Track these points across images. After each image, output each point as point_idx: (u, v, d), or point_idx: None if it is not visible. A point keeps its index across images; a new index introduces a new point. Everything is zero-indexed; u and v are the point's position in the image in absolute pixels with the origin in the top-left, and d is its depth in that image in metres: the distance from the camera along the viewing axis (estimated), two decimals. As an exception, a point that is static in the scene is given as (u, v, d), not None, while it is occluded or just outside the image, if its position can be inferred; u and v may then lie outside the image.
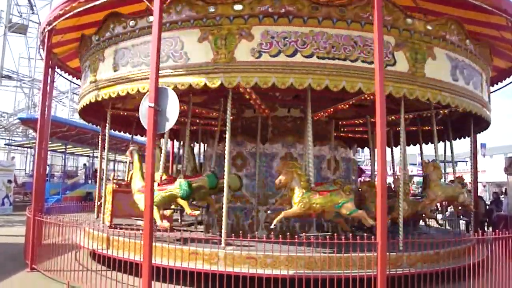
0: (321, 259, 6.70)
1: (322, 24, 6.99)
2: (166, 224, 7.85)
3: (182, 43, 7.28)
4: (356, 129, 13.32)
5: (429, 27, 7.55)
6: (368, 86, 6.93)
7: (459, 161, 10.31)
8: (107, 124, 9.81)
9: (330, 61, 6.94)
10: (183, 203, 8.05)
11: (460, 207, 10.21)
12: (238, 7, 6.98)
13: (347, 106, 9.27)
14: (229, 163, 7.41)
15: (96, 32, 8.62)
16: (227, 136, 7.41)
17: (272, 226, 7.28)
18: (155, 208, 7.66)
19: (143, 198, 7.73)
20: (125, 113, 11.23)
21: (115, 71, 8.15)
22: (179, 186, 7.94)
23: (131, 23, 7.85)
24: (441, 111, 10.03)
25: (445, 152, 11.83)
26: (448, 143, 11.60)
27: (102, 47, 8.54)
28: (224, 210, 7.34)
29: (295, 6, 6.93)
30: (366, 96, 7.93)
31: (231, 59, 6.98)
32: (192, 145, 11.14)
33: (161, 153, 9.97)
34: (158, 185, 8.26)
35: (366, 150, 14.65)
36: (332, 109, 9.61)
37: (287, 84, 6.86)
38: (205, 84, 7.03)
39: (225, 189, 7.39)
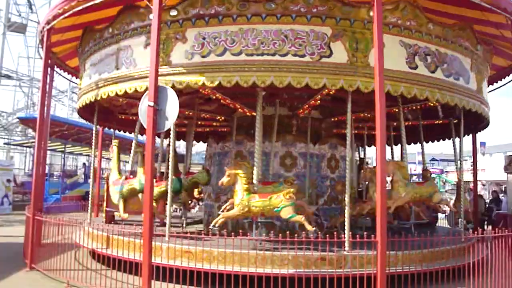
0: (255, 256, 6.79)
1: (251, 21, 6.99)
2: (125, 215, 8.67)
3: (132, 51, 7.80)
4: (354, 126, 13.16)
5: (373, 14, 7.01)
6: (299, 79, 6.82)
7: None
8: (94, 123, 10.51)
9: (258, 57, 6.92)
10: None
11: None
12: (173, 12, 7.23)
13: (318, 102, 9.09)
14: (167, 163, 8.09)
15: (79, 45, 9.50)
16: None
17: (211, 226, 7.48)
18: (121, 199, 8.78)
19: (114, 191, 9.05)
20: (134, 118, 11.25)
21: (89, 79, 8.96)
22: (138, 181, 8.67)
23: (98, 35, 8.59)
24: (430, 104, 9.24)
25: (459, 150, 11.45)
26: (447, 141, 11.38)
27: (84, 58, 9.39)
28: (168, 207, 7.87)
29: (224, 5, 7.03)
30: (327, 90, 7.69)
31: (168, 62, 7.25)
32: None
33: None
34: (126, 178, 9.12)
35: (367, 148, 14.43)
36: (307, 105, 9.46)
37: (215, 83, 6.96)
38: (147, 88, 7.20)
39: (169, 189, 7.87)
